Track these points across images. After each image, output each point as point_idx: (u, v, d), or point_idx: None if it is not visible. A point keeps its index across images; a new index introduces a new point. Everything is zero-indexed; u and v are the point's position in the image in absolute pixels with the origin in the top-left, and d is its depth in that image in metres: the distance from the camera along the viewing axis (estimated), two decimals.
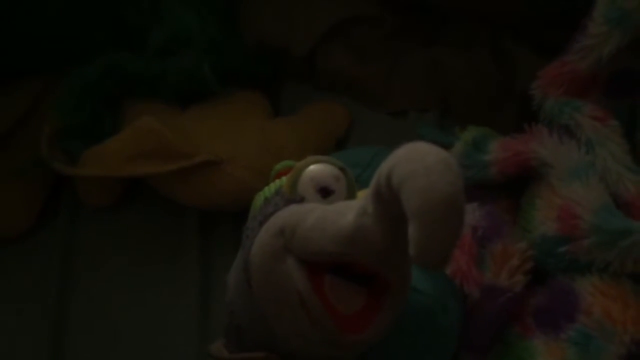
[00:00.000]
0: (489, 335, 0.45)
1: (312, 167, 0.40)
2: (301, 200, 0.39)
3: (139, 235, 0.57)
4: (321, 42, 0.65)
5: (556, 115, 0.49)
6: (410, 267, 0.38)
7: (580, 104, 0.48)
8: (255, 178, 0.56)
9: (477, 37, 0.64)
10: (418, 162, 0.32)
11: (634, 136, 0.48)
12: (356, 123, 0.63)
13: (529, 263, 0.45)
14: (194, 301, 0.53)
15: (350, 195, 0.40)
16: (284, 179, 0.41)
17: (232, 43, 0.63)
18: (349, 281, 0.36)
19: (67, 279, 0.55)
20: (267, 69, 0.65)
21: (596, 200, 0.44)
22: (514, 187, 0.50)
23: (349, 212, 0.36)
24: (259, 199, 0.43)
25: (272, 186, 0.42)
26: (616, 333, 0.42)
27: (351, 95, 0.65)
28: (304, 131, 0.60)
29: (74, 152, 0.56)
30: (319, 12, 0.66)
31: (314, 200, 0.38)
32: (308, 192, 0.39)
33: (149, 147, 0.54)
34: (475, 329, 0.45)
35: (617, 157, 0.45)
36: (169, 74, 0.59)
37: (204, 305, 0.53)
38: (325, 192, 0.39)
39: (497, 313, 0.44)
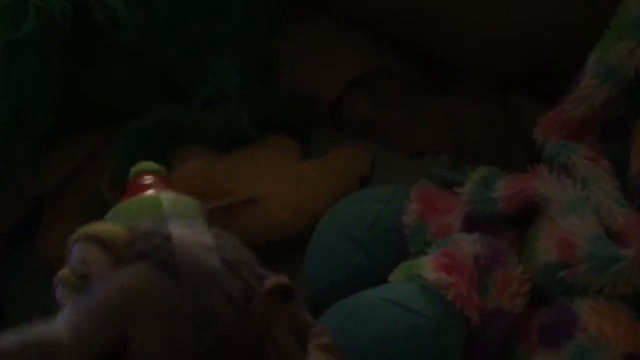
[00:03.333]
0: (495, 355, 0.50)
1: None
2: None
3: None
4: (346, 91, 0.71)
5: (555, 156, 0.54)
6: None
7: (575, 146, 0.54)
8: (290, 215, 0.62)
9: (488, 87, 0.71)
10: None
11: (624, 175, 0.54)
12: (378, 164, 0.69)
13: (526, 286, 0.50)
14: None
15: None
16: None
17: (267, 93, 0.70)
18: None
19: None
20: (298, 115, 0.71)
21: (590, 231, 0.49)
22: (520, 220, 0.55)
23: None
24: None
25: None
26: (609, 348, 0.47)
27: (373, 138, 0.71)
28: (332, 172, 0.66)
29: None
30: (344, 64, 0.72)
31: None
32: None
33: (195, 188, 0.61)
34: (480, 350, 0.49)
35: (609, 193, 0.51)
36: (211, 123, 0.66)
37: None
38: None
39: (501, 334, 0.50)
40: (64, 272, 0.40)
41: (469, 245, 0.50)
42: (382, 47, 0.73)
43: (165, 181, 0.51)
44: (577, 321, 0.49)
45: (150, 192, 0.48)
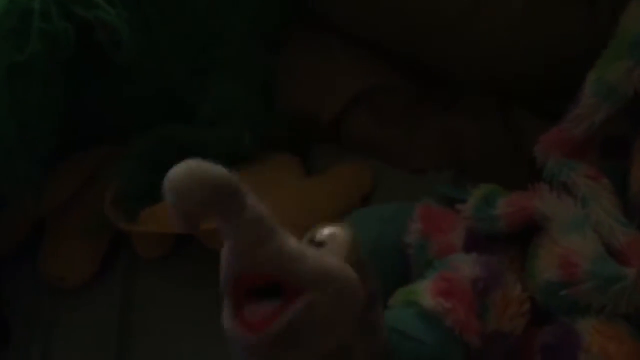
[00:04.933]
0: None
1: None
2: None
3: (188, 284, 0.64)
4: (346, 108, 0.72)
5: (555, 174, 0.55)
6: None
7: (576, 164, 0.54)
8: (292, 232, 0.63)
9: (489, 104, 0.71)
10: None
11: (625, 193, 0.54)
12: (380, 181, 0.69)
13: (525, 305, 0.50)
14: None
15: (348, 257, 0.42)
16: None
17: (269, 112, 0.71)
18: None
19: (127, 324, 0.62)
20: (299, 133, 0.72)
21: (591, 250, 0.50)
22: (521, 237, 0.55)
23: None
24: None
25: None
26: None
27: (375, 155, 0.72)
28: (333, 189, 0.67)
29: (133, 211, 0.63)
30: (344, 82, 0.73)
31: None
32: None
33: None
34: None
35: (609, 212, 0.51)
36: (214, 142, 0.66)
37: None
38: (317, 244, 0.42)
39: (503, 356, 0.50)
40: None
41: (467, 267, 0.50)
42: (382, 65, 0.74)
43: None
44: (579, 341, 0.49)
45: None
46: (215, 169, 0.38)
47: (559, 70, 0.67)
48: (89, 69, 0.61)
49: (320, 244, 0.43)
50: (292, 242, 0.40)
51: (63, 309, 0.64)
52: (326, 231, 0.44)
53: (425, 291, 0.49)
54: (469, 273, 0.50)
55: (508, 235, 0.55)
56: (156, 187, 0.65)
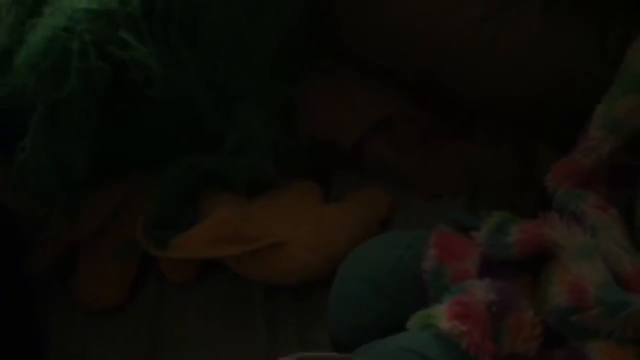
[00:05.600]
0: None
1: None
2: None
3: (214, 308, 0.67)
4: (366, 136, 0.74)
5: (565, 203, 0.57)
6: None
7: (584, 194, 0.56)
8: (312, 258, 0.65)
9: (502, 133, 0.73)
10: None
11: (632, 222, 0.56)
12: (398, 206, 0.71)
13: (538, 329, 0.52)
14: None
15: None
16: None
17: (290, 140, 0.73)
18: None
19: (156, 346, 0.64)
20: (320, 160, 0.74)
21: (600, 277, 0.52)
22: (534, 263, 0.57)
23: None
24: None
25: None
26: None
27: (392, 182, 0.74)
28: (353, 215, 0.69)
29: (163, 238, 0.66)
30: (364, 110, 0.75)
31: None
32: None
33: (224, 234, 0.65)
34: None
35: (617, 241, 0.53)
36: (238, 170, 0.69)
37: None
38: None
39: None
40: None
41: (481, 292, 0.52)
42: (399, 94, 0.76)
43: None
44: None
45: None
46: None
47: (571, 98, 0.69)
48: (123, 103, 0.64)
49: None
50: None
51: (95, 331, 0.66)
52: None
53: (442, 314, 0.51)
54: (483, 297, 0.52)
55: (520, 262, 0.57)
56: (184, 215, 0.68)
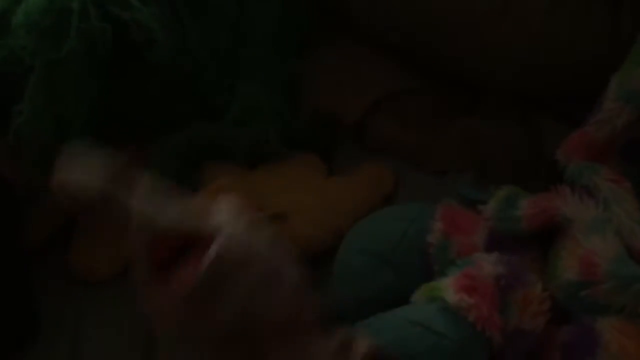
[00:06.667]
0: None
1: None
2: None
3: None
4: (370, 111, 0.73)
5: (577, 177, 0.56)
6: None
7: (598, 168, 0.55)
8: (315, 231, 0.64)
9: (509, 107, 0.72)
10: None
11: None
12: (402, 182, 0.71)
13: (546, 304, 0.51)
14: None
15: None
16: None
17: (294, 113, 0.72)
18: None
19: None
20: (323, 134, 0.73)
21: (612, 251, 0.51)
22: (543, 237, 0.56)
23: None
24: None
25: None
26: None
27: (396, 157, 0.73)
28: (356, 190, 0.68)
29: None
30: (368, 85, 0.74)
31: None
32: None
33: None
34: None
35: (630, 214, 0.52)
36: (240, 141, 0.68)
37: None
38: None
39: (524, 353, 0.51)
40: None
41: (489, 266, 0.51)
42: (405, 69, 0.75)
43: None
44: (599, 339, 0.50)
45: None
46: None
47: (582, 72, 0.68)
48: (123, 67, 0.63)
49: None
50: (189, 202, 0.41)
51: (92, 303, 0.65)
52: None
53: (448, 287, 0.50)
54: (491, 271, 0.51)
55: (529, 236, 0.56)
56: (184, 184, 0.67)
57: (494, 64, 0.70)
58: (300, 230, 0.64)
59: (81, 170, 0.40)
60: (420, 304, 0.52)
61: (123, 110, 0.66)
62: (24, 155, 0.63)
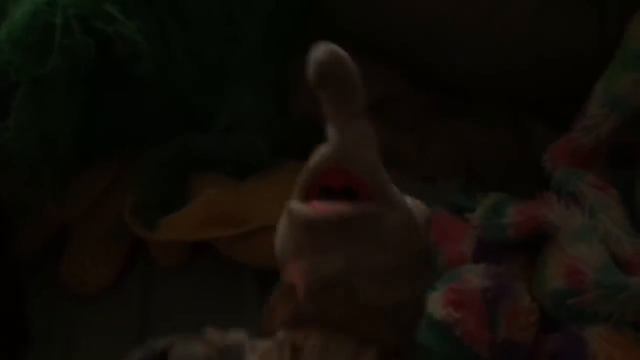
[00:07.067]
0: None
1: None
2: None
3: (205, 291, 0.65)
4: None
5: (564, 184, 0.56)
6: None
7: (583, 174, 0.55)
8: None
9: (498, 114, 0.72)
10: None
11: (632, 203, 0.55)
12: None
13: (535, 316, 0.51)
14: None
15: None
16: None
17: (282, 120, 0.72)
18: None
19: (145, 330, 0.63)
20: (312, 141, 0.73)
21: (598, 259, 0.51)
22: (531, 245, 0.56)
23: None
24: None
25: None
26: None
27: (386, 163, 0.73)
28: None
29: (151, 220, 0.65)
30: None
31: None
32: None
33: (214, 216, 0.63)
34: None
35: (617, 222, 0.52)
36: (229, 151, 0.68)
37: None
38: None
39: None
40: None
41: (476, 279, 0.51)
42: (395, 74, 0.75)
43: None
44: (586, 348, 0.50)
45: None
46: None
47: (569, 74, 0.67)
48: (109, 81, 0.63)
49: None
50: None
51: (84, 313, 0.65)
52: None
53: (436, 302, 0.51)
54: (478, 284, 0.51)
55: (517, 243, 0.56)
56: (174, 196, 0.67)
57: (482, 67, 0.70)
58: None
59: None
60: None
61: (110, 124, 0.65)
62: (13, 170, 0.63)
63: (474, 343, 0.49)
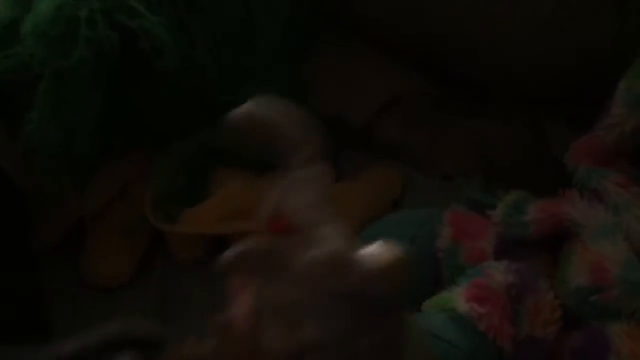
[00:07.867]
0: None
1: None
2: None
3: (223, 285, 0.65)
4: (376, 115, 0.74)
5: (586, 181, 0.56)
6: None
7: (606, 172, 0.55)
8: None
9: (516, 110, 0.72)
10: None
11: None
12: (409, 186, 0.71)
13: (558, 312, 0.51)
14: None
15: None
16: None
17: None
18: None
19: (164, 321, 0.64)
20: (329, 138, 0.73)
21: (622, 256, 0.51)
22: (551, 242, 0.56)
23: None
24: None
25: None
26: None
27: (403, 160, 0.73)
28: (364, 195, 0.68)
29: (171, 213, 0.65)
30: (374, 88, 0.74)
31: None
32: None
33: (234, 210, 0.64)
34: None
35: None
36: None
37: None
38: None
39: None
40: None
41: (500, 275, 0.51)
42: (412, 71, 0.75)
43: None
44: (609, 345, 0.50)
45: None
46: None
47: (586, 74, 0.67)
48: (131, 75, 0.63)
49: None
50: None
51: (102, 308, 0.66)
52: None
53: (459, 297, 0.50)
54: (502, 280, 0.51)
55: (538, 241, 0.56)
56: (193, 190, 0.67)
57: (502, 66, 0.70)
58: None
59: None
60: (428, 312, 0.52)
61: (131, 118, 0.66)
62: (35, 161, 0.63)
63: (498, 337, 0.49)
